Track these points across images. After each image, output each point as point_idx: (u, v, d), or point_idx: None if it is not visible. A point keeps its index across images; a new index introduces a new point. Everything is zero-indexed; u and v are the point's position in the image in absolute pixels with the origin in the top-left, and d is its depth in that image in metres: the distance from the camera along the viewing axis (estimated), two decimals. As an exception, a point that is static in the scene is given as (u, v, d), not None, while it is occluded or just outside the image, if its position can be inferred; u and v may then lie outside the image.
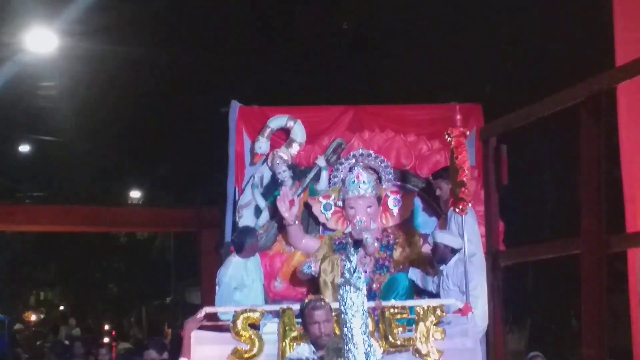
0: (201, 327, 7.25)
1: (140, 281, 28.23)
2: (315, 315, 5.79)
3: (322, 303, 5.86)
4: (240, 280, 8.41)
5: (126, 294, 30.13)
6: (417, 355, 6.93)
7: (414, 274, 8.29)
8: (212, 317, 7.55)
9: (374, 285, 8.36)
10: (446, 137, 7.54)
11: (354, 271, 4.73)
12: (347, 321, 4.68)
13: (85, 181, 21.29)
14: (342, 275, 4.82)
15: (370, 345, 4.74)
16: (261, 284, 8.57)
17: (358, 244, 6.90)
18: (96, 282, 30.36)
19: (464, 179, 7.23)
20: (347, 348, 4.65)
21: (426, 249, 8.49)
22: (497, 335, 2.37)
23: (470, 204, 7.48)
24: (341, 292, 4.72)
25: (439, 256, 7.88)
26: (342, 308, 4.71)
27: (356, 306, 4.70)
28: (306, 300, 6.06)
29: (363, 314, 4.71)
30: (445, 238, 7.80)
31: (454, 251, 7.79)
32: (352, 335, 4.66)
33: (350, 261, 4.76)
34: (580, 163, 2.15)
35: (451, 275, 7.79)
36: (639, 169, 6.39)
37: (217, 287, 8.46)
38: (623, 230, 5.21)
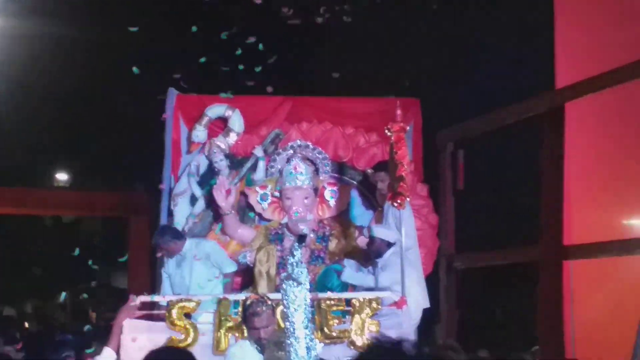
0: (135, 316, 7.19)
1: (65, 265, 27.80)
2: (255, 321, 5.80)
3: (264, 308, 5.85)
4: (169, 272, 8.45)
5: (51, 277, 29.64)
6: (352, 347, 6.98)
7: (350, 266, 8.35)
8: (147, 306, 7.52)
9: (309, 276, 8.39)
10: (386, 131, 7.59)
11: (297, 265, 4.74)
12: (290, 315, 4.69)
13: (12, 162, 20.85)
14: (284, 268, 4.84)
15: (311, 340, 4.77)
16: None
17: (303, 238, 6.93)
18: (21, 264, 29.80)
19: (403, 174, 7.30)
20: (289, 342, 4.68)
21: (361, 241, 8.56)
22: (449, 335, 2.41)
23: (408, 199, 7.56)
24: (284, 286, 4.73)
25: (375, 250, 7.94)
26: (285, 302, 4.73)
27: (299, 300, 4.72)
28: (248, 302, 6.05)
29: (305, 308, 4.74)
30: (382, 232, 7.87)
31: (389, 245, 7.87)
32: (294, 329, 4.68)
33: (293, 255, 4.78)
34: (541, 174, 2.20)
35: (386, 268, 7.86)
36: (574, 176, 6.53)
37: None
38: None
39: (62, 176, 25.40)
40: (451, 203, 2.53)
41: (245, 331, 6.17)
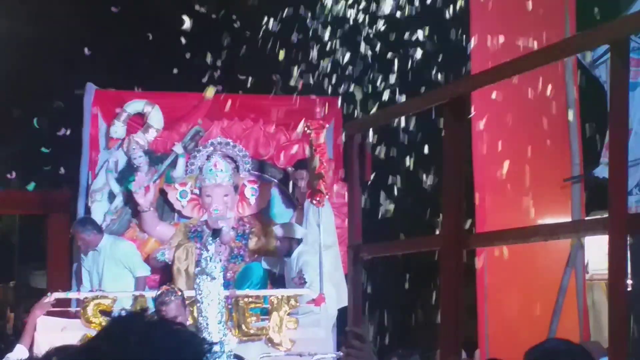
0: (49, 313, 7.09)
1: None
2: (163, 311, 5.75)
3: (172, 297, 5.81)
4: (88, 267, 8.37)
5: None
6: (269, 344, 6.99)
7: (268, 264, 8.37)
8: (62, 302, 7.42)
9: (228, 274, 8.36)
10: (305, 129, 7.62)
11: (211, 260, 4.74)
12: (203, 310, 4.69)
13: None
14: (199, 264, 4.82)
15: (225, 335, 4.77)
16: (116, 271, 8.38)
17: (217, 233, 6.93)
18: None
19: (322, 171, 7.33)
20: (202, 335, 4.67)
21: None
22: (356, 323, 2.43)
23: (327, 196, 7.59)
24: (197, 280, 4.72)
25: (285, 248, 8.05)
26: (198, 297, 4.71)
27: (212, 295, 4.71)
28: (158, 292, 6.02)
29: (219, 303, 4.73)
30: (287, 230, 7.99)
31: (299, 242, 7.95)
32: (207, 324, 4.68)
33: (207, 250, 4.77)
34: (443, 163, 2.24)
35: (294, 265, 7.92)
36: (488, 172, 6.68)
37: None
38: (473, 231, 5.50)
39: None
40: (359, 193, 2.55)
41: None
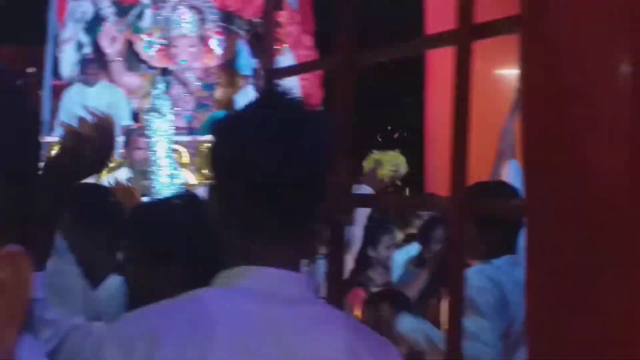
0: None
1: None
2: (140, 142, 5.96)
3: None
4: (69, 110, 8.41)
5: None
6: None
7: None
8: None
9: (195, 123, 8.56)
10: (265, -22, 7.66)
11: (159, 97, 4.93)
12: (152, 145, 4.91)
13: None
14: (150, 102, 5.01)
15: (175, 169, 5.00)
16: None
17: (166, 72, 7.04)
18: None
19: (280, 19, 7.43)
20: (151, 170, 4.90)
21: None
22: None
23: (287, 46, 7.72)
24: (147, 117, 4.93)
25: None
26: (148, 133, 4.93)
27: (161, 131, 4.93)
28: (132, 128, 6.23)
29: (168, 139, 4.95)
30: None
31: None
32: (156, 158, 4.91)
33: (157, 88, 4.96)
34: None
35: None
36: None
37: None
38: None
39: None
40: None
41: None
